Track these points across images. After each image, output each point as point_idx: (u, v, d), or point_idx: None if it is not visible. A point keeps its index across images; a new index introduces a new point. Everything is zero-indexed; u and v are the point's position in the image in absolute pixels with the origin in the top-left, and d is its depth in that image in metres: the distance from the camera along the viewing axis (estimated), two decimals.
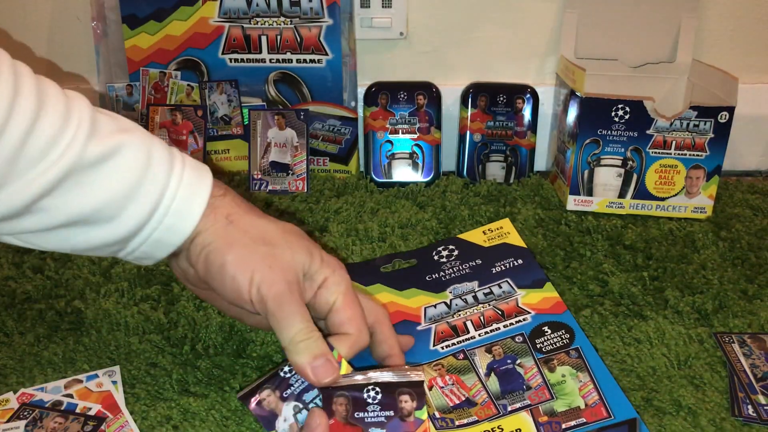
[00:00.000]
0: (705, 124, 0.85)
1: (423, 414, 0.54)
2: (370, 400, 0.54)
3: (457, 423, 0.58)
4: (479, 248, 0.77)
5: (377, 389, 0.54)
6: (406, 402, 0.54)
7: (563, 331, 0.65)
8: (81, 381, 0.62)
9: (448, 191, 0.95)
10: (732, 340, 0.67)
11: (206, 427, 0.57)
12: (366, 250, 0.82)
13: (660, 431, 0.57)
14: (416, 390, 0.53)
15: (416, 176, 0.98)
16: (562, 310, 0.67)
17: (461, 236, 0.79)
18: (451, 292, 0.72)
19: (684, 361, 0.65)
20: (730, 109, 0.84)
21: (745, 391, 0.61)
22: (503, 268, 0.73)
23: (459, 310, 0.69)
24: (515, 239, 0.77)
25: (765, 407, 0.59)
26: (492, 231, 0.79)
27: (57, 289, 0.75)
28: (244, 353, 0.66)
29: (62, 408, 0.59)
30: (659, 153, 0.87)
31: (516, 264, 0.73)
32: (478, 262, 0.75)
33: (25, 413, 0.58)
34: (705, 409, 0.59)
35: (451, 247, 0.78)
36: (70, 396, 0.60)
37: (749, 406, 0.59)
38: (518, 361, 0.62)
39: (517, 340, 0.65)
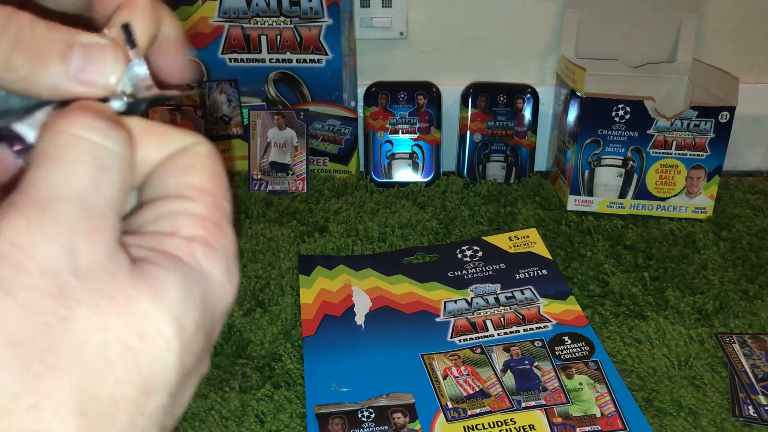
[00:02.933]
0: (705, 124, 0.85)
1: (416, 425, 0.57)
2: (364, 419, 0.57)
3: (469, 413, 0.58)
4: (504, 253, 0.78)
5: (371, 410, 0.58)
6: (399, 418, 0.57)
7: (583, 343, 0.65)
8: None
9: (448, 191, 0.95)
10: (733, 340, 0.67)
11: (206, 427, 0.57)
12: (366, 251, 0.81)
13: (660, 431, 0.57)
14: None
15: (416, 176, 0.98)
16: (583, 323, 0.68)
17: (486, 239, 0.81)
18: (472, 291, 0.73)
19: (684, 361, 0.65)
20: (731, 109, 0.84)
21: (746, 391, 0.61)
22: (527, 275, 0.74)
23: (479, 309, 0.70)
24: (541, 249, 0.78)
25: (766, 407, 0.59)
26: (518, 238, 0.80)
27: None
28: (244, 353, 0.66)
29: None
30: (660, 153, 0.87)
31: (540, 274, 0.75)
32: (502, 266, 0.76)
33: None
34: (705, 410, 0.59)
35: (475, 247, 0.79)
36: None
37: (750, 407, 0.59)
38: (536, 364, 0.63)
39: (536, 344, 0.65)
